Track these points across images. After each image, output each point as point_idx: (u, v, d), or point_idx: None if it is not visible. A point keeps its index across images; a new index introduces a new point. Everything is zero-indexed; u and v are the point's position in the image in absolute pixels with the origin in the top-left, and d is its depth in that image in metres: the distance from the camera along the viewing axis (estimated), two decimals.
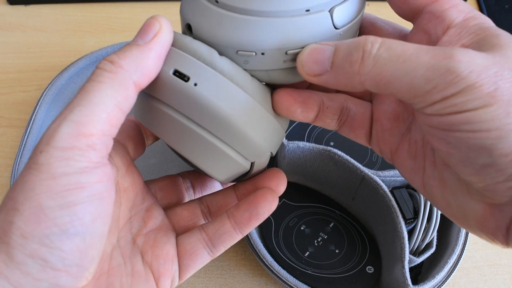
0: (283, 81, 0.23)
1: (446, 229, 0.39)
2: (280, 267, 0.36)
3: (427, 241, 0.36)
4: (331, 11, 0.21)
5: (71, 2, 0.57)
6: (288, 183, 0.40)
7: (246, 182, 0.27)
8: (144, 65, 0.20)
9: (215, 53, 0.22)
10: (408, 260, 0.35)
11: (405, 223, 0.36)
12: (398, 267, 0.35)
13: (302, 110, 0.23)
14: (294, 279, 0.36)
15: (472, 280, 0.40)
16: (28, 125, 0.44)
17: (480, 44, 0.19)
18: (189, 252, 0.25)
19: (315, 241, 0.40)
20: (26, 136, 0.43)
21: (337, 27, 0.22)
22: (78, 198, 0.18)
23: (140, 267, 0.24)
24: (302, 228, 0.41)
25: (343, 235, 0.40)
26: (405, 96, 0.18)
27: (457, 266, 0.36)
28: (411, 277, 0.34)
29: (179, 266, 0.25)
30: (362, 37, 0.19)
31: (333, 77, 0.20)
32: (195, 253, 0.25)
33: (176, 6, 0.57)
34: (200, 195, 0.29)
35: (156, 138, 0.28)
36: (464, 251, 0.36)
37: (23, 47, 0.54)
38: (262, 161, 0.24)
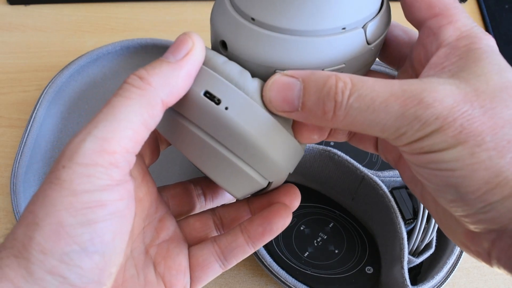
0: None
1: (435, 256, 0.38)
2: (279, 268, 0.36)
3: (426, 241, 0.36)
4: (364, 27, 0.22)
5: (71, 2, 0.57)
6: (288, 183, 0.40)
7: (260, 196, 0.27)
8: (174, 83, 0.20)
9: (248, 75, 0.22)
10: (407, 261, 0.35)
11: (405, 224, 0.36)
12: (397, 268, 0.35)
13: (319, 136, 0.24)
14: (293, 279, 0.36)
15: (472, 280, 0.40)
16: (28, 124, 0.44)
17: (461, 69, 0.19)
18: (201, 265, 0.25)
19: (315, 241, 0.40)
20: (26, 135, 0.43)
21: (369, 42, 0.22)
22: (99, 216, 0.18)
23: (153, 278, 0.24)
24: (301, 228, 0.41)
25: (343, 235, 0.40)
26: (378, 136, 0.19)
27: (457, 266, 0.36)
28: (410, 278, 0.34)
29: (191, 277, 0.25)
30: (332, 79, 0.19)
31: (304, 117, 0.20)
32: (208, 265, 0.25)
33: (176, 6, 0.57)
34: (211, 203, 0.29)
35: (169, 144, 0.28)
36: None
37: (23, 47, 0.54)
38: (280, 179, 0.25)
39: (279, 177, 0.24)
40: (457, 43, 0.20)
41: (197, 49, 0.20)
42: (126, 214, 0.19)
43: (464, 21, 0.21)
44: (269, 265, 0.36)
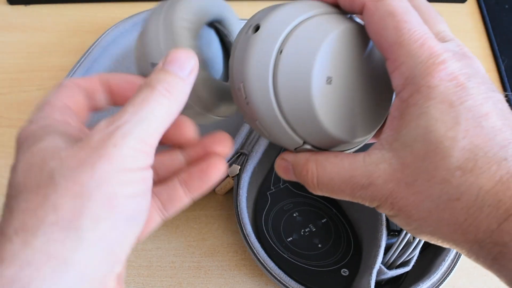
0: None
1: (433, 257, 0.38)
2: (263, 251, 0.37)
3: (404, 258, 0.36)
4: None
5: (71, 2, 0.57)
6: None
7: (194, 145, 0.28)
8: (186, 93, 0.22)
9: None
10: (378, 270, 0.35)
11: (388, 234, 0.36)
12: (367, 274, 0.35)
13: None
14: (273, 264, 0.36)
15: (472, 280, 0.40)
16: (81, 59, 0.47)
17: (396, 139, 0.21)
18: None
19: (302, 230, 0.40)
20: (76, 68, 0.46)
21: None
22: (140, 190, 0.20)
23: None
24: (294, 214, 0.41)
25: (332, 233, 0.40)
26: None
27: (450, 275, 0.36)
28: None
29: None
30: (304, 170, 0.24)
31: (300, 182, 0.25)
32: (150, 219, 0.26)
33: None
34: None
35: None
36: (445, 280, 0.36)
37: (23, 47, 0.54)
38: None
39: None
40: (402, 95, 0.21)
41: (197, 66, 0.23)
42: (150, 192, 0.21)
43: (407, 62, 0.20)
44: (251, 243, 0.37)
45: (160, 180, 0.28)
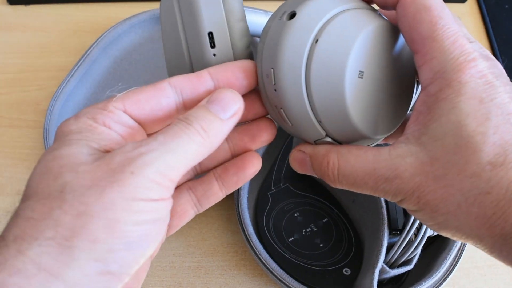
0: None
1: (435, 256, 0.38)
2: (265, 251, 0.37)
3: (406, 257, 0.36)
4: None
5: (71, 2, 0.57)
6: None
7: (239, 131, 0.27)
8: (224, 134, 0.22)
9: None
10: (380, 269, 0.35)
11: (390, 233, 0.36)
12: (369, 273, 0.35)
13: None
14: (275, 264, 0.36)
15: (472, 280, 0.40)
16: (83, 57, 0.48)
17: (423, 133, 0.21)
18: (179, 213, 0.27)
19: (304, 230, 0.40)
20: (78, 66, 0.47)
21: None
22: (149, 219, 0.19)
23: None
24: (295, 214, 0.41)
25: (333, 233, 0.40)
26: None
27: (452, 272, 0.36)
28: None
29: (168, 225, 0.26)
30: (325, 161, 0.24)
31: (318, 174, 0.25)
32: (185, 214, 0.27)
33: None
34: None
35: None
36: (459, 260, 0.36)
37: (23, 47, 0.54)
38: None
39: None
40: (430, 88, 0.21)
41: (242, 109, 0.23)
42: (166, 219, 0.21)
43: (439, 57, 0.21)
44: (254, 244, 0.37)
45: (202, 170, 0.28)
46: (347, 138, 0.24)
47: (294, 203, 0.41)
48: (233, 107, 0.22)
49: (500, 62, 0.54)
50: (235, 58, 0.26)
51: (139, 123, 0.23)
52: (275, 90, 0.23)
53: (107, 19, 0.56)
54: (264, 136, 0.27)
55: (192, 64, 0.27)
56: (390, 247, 0.36)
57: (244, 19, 0.26)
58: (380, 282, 0.36)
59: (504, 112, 0.20)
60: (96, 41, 0.49)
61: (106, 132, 0.21)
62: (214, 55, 0.26)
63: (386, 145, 0.24)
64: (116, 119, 0.22)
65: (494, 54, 0.55)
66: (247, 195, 0.40)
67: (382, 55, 0.23)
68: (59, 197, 0.18)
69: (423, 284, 0.35)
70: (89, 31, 0.55)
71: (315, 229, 0.40)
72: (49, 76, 0.51)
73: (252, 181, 0.42)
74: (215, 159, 0.28)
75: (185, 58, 0.26)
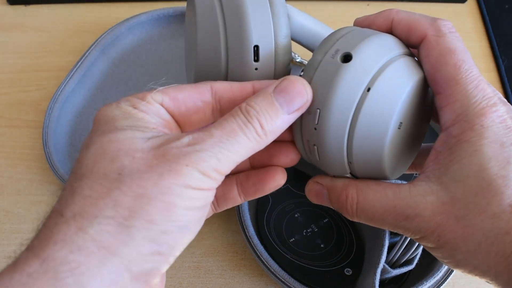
0: None
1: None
2: (266, 252, 0.37)
3: (407, 256, 0.36)
4: None
5: (71, 2, 0.57)
6: (297, 171, 0.40)
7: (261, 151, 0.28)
8: (280, 132, 0.22)
9: None
10: (382, 269, 0.35)
11: (391, 233, 0.36)
12: (370, 274, 0.35)
13: None
14: (276, 265, 0.36)
15: (472, 280, 0.40)
16: (79, 61, 0.47)
17: (444, 173, 0.22)
18: None
19: (304, 230, 0.40)
20: (75, 69, 0.47)
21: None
22: (197, 205, 0.20)
23: None
24: (296, 215, 0.41)
25: (334, 233, 0.40)
26: None
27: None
28: None
29: None
30: (343, 195, 0.24)
31: (335, 207, 0.26)
32: None
33: (177, 5, 0.57)
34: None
35: None
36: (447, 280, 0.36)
37: (23, 47, 0.54)
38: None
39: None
40: (451, 130, 0.22)
41: (309, 102, 0.23)
42: (208, 207, 0.22)
43: (462, 100, 0.22)
44: (255, 245, 0.37)
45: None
46: (366, 176, 0.25)
47: (294, 204, 0.41)
48: (300, 101, 0.22)
49: (500, 62, 0.54)
50: (275, 74, 0.26)
51: (175, 119, 0.24)
52: (315, 129, 0.23)
53: (107, 19, 0.56)
54: (283, 161, 0.27)
55: (227, 73, 0.26)
56: (391, 247, 0.36)
57: (289, 36, 0.26)
58: (381, 282, 0.36)
59: None
60: (94, 42, 0.49)
61: (147, 119, 0.22)
62: (256, 69, 0.25)
63: None
64: (154, 110, 0.22)
65: (494, 54, 0.55)
66: None
67: (418, 106, 0.24)
68: (118, 179, 0.19)
69: (425, 283, 0.35)
70: (89, 31, 0.55)
71: (316, 230, 0.40)
72: (49, 76, 0.51)
73: None
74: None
75: (221, 66, 0.26)
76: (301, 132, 0.25)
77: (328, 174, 0.26)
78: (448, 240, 0.21)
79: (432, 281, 0.35)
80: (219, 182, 0.21)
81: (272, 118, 0.22)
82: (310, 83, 0.23)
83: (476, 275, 0.22)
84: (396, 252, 0.36)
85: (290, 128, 0.25)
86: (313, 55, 0.24)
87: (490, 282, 0.22)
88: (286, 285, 0.36)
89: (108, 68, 0.50)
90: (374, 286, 0.34)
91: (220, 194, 0.27)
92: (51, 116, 0.45)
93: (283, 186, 0.43)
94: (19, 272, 0.17)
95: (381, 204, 0.23)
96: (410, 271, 0.37)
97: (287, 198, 0.42)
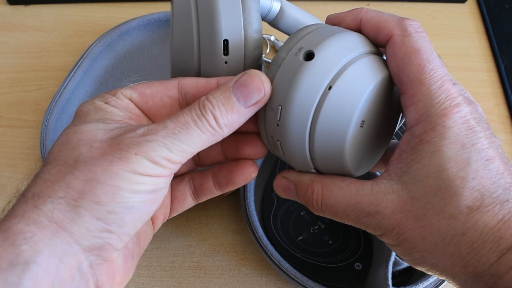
0: None
1: None
2: (276, 252, 0.37)
3: None
4: None
5: (71, 2, 0.57)
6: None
7: (229, 140, 0.28)
8: (238, 125, 0.23)
9: None
10: (394, 262, 0.35)
11: None
12: (382, 267, 0.35)
13: None
14: (288, 264, 0.36)
15: None
16: (73, 69, 0.47)
17: (406, 172, 0.22)
18: (178, 198, 0.29)
19: (311, 228, 0.40)
20: (68, 79, 0.46)
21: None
22: (146, 189, 0.22)
23: None
24: (302, 213, 0.41)
25: (341, 228, 0.40)
26: None
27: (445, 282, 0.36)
28: (398, 282, 0.35)
29: (170, 208, 0.29)
30: (309, 191, 0.25)
31: (301, 202, 0.26)
32: (184, 199, 0.29)
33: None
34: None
35: None
36: None
37: (23, 47, 0.54)
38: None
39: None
40: (414, 130, 0.22)
41: (266, 97, 0.23)
42: (163, 191, 0.23)
43: (425, 100, 0.22)
44: (264, 245, 0.37)
45: (202, 164, 0.30)
46: (331, 172, 0.25)
47: (299, 202, 0.41)
48: (257, 95, 0.23)
49: (500, 62, 0.54)
50: (245, 68, 0.26)
51: (144, 113, 0.25)
52: (278, 125, 0.24)
53: (107, 19, 0.56)
54: (248, 152, 0.27)
55: (200, 68, 0.27)
56: None
57: (260, 31, 0.26)
58: (392, 274, 0.36)
59: (483, 157, 0.21)
60: (87, 50, 0.49)
61: (115, 113, 0.24)
62: (226, 62, 0.26)
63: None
64: (124, 105, 0.24)
65: (494, 54, 0.55)
66: (253, 197, 0.40)
67: (381, 105, 0.24)
68: (73, 165, 0.21)
69: None
70: (89, 31, 0.55)
71: (323, 226, 0.40)
72: (49, 76, 0.51)
73: (257, 183, 0.42)
74: (209, 158, 0.29)
75: (194, 61, 0.26)
76: (265, 127, 0.25)
77: (295, 169, 0.26)
78: (407, 238, 0.22)
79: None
80: (174, 170, 0.22)
81: (227, 112, 0.22)
82: (273, 80, 0.24)
83: (435, 273, 0.22)
84: None
85: (256, 121, 0.26)
86: (277, 53, 0.24)
87: (449, 281, 0.22)
88: (300, 284, 0.36)
89: (102, 76, 0.50)
90: (387, 278, 0.34)
91: (198, 185, 0.29)
92: (49, 123, 0.44)
93: None
94: None
95: (345, 200, 0.23)
96: None
97: None
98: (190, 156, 0.22)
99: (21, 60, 0.53)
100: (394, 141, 0.28)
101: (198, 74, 0.27)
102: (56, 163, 0.21)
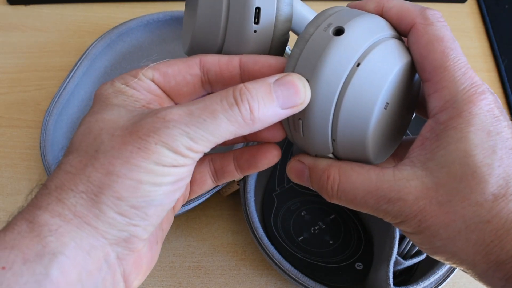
0: None
1: None
2: (277, 253, 0.37)
3: (417, 247, 0.36)
4: None
5: (71, 2, 0.57)
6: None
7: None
8: (267, 124, 0.22)
9: None
10: (395, 261, 0.35)
11: None
12: (383, 266, 0.35)
13: None
14: (289, 265, 0.36)
15: (472, 280, 0.40)
16: (73, 69, 0.47)
17: (430, 158, 0.22)
18: (198, 181, 0.28)
19: (312, 228, 0.40)
20: (68, 79, 0.46)
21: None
22: (167, 181, 0.21)
23: None
24: (302, 213, 0.41)
25: (341, 228, 0.40)
26: None
27: (448, 279, 0.36)
28: (399, 282, 0.35)
29: (189, 190, 0.29)
30: (324, 176, 0.24)
31: (315, 189, 0.26)
32: (204, 182, 0.28)
33: (177, 6, 0.57)
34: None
35: None
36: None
37: (23, 47, 0.54)
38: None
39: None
40: (439, 116, 0.22)
41: (303, 106, 0.22)
42: (186, 179, 0.22)
43: (450, 87, 0.22)
44: (265, 246, 0.37)
45: (221, 144, 0.29)
46: (349, 158, 0.25)
47: (299, 202, 0.41)
48: (297, 99, 0.22)
49: (500, 62, 0.54)
50: (273, 40, 0.26)
51: (166, 93, 0.25)
52: None
53: (107, 19, 0.56)
54: (268, 136, 0.27)
55: (226, 35, 0.26)
56: (400, 239, 0.36)
57: (291, 4, 0.26)
58: (393, 274, 0.36)
59: (507, 146, 0.21)
60: (86, 52, 0.48)
61: (136, 96, 0.23)
62: (255, 31, 0.25)
63: None
64: (145, 86, 0.23)
65: (494, 54, 0.55)
66: (254, 198, 0.40)
67: (404, 88, 0.24)
68: (94, 155, 0.21)
69: (437, 272, 0.35)
70: (89, 31, 0.55)
71: (324, 227, 0.40)
72: (49, 76, 0.51)
73: (257, 183, 0.42)
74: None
75: (220, 27, 0.25)
76: None
77: (310, 154, 0.26)
78: (429, 226, 0.21)
79: (444, 269, 0.35)
80: (196, 159, 0.22)
81: (265, 106, 0.21)
82: (300, 55, 0.23)
83: (452, 263, 0.22)
84: (406, 244, 0.36)
85: None
86: (305, 29, 0.24)
87: (467, 271, 0.22)
88: (301, 284, 0.36)
89: (101, 77, 0.50)
90: (388, 278, 0.34)
91: (218, 167, 0.28)
92: (48, 125, 0.44)
93: (287, 185, 0.43)
94: (10, 230, 0.19)
95: (364, 186, 0.23)
96: (419, 262, 0.37)
97: (291, 197, 0.42)
98: (213, 145, 0.21)
99: (21, 60, 0.53)
100: (405, 137, 0.28)
101: (220, 51, 0.26)
102: (77, 153, 0.21)
